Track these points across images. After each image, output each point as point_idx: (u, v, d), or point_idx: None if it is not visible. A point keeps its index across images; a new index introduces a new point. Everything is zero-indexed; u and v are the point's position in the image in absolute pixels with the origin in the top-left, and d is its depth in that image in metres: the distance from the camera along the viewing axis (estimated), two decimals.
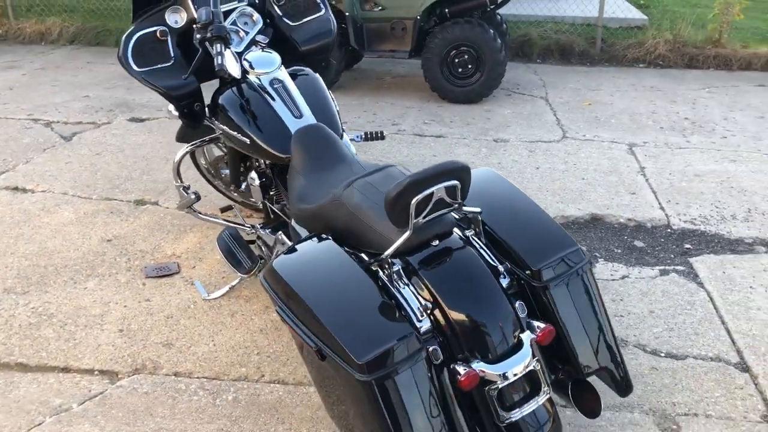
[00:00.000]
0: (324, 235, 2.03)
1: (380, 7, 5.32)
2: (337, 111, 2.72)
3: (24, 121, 5.01)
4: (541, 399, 1.81)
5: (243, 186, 3.09)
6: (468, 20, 5.19)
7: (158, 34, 2.68)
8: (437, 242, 1.88)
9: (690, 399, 2.40)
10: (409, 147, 4.59)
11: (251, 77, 2.64)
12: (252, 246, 2.89)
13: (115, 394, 2.43)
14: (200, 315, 2.86)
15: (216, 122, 2.76)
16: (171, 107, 2.78)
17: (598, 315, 1.97)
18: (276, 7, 2.90)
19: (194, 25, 2.60)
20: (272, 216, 2.83)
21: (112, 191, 3.93)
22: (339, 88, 5.62)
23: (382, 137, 3.12)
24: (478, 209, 1.95)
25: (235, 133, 2.61)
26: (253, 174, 2.74)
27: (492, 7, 5.44)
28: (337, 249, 1.92)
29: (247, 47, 2.76)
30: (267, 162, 2.69)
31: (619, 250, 3.36)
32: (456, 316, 1.78)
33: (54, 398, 2.42)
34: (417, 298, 1.82)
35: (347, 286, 1.79)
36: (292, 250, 1.99)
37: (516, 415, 1.77)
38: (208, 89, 2.75)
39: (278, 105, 2.58)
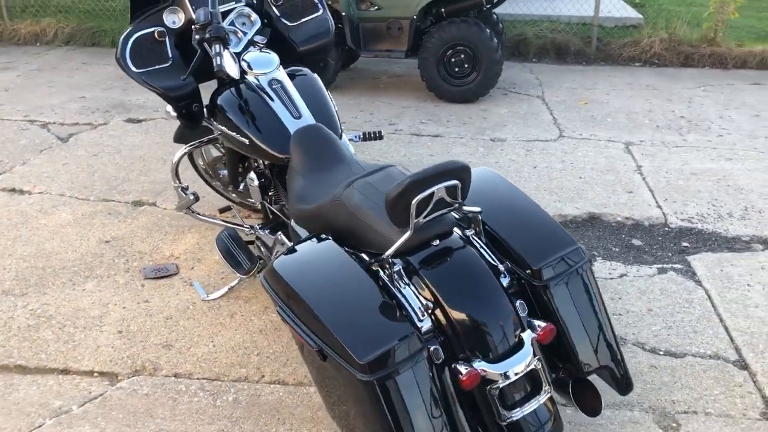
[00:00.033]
0: (324, 236, 2.03)
1: (376, 7, 5.31)
2: (336, 111, 2.72)
3: (20, 123, 5.00)
4: (542, 398, 1.82)
5: (241, 186, 3.09)
6: (464, 20, 5.19)
7: (156, 35, 2.68)
8: (438, 242, 1.89)
9: (689, 397, 2.41)
10: (407, 147, 4.59)
11: (250, 78, 2.64)
12: (251, 247, 2.89)
13: (115, 396, 2.43)
14: (199, 316, 2.86)
15: (214, 123, 2.75)
16: (169, 108, 2.78)
17: (598, 314, 1.98)
18: (274, 8, 2.90)
19: (192, 26, 2.60)
20: (271, 216, 2.83)
21: (110, 192, 3.92)
22: (335, 87, 5.61)
23: (381, 137, 3.12)
24: (478, 209, 1.96)
25: (234, 133, 2.61)
26: (252, 174, 2.75)
27: (488, 6, 5.43)
28: (337, 249, 1.93)
29: (246, 48, 2.75)
30: (266, 162, 2.69)
31: (617, 249, 3.37)
32: (457, 315, 1.79)
33: (54, 400, 2.41)
34: (418, 298, 1.83)
35: (348, 286, 1.80)
36: (292, 250, 2.00)
37: (517, 414, 1.78)
38: (206, 90, 2.74)
39: (277, 105, 2.58)
